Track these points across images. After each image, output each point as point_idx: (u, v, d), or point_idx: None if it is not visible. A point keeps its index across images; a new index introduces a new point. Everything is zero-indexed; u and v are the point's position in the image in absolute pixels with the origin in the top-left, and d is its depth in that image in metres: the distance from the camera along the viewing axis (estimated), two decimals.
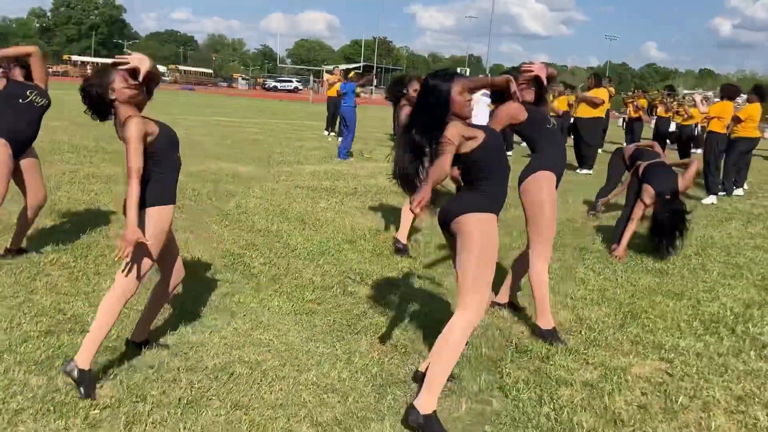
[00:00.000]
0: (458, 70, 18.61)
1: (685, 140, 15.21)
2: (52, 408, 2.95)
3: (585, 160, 13.51)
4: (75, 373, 3.06)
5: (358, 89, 14.66)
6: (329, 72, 15.19)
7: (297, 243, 6.10)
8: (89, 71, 3.52)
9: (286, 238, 6.28)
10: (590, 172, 13.30)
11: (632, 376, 3.73)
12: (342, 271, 5.35)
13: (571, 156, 15.28)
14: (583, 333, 4.33)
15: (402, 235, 6.07)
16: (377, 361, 3.72)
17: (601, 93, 13.13)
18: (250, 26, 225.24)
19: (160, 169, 3.26)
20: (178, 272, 3.57)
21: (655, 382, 3.67)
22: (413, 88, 6.01)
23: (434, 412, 2.99)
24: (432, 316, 4.34)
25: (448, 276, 5.25)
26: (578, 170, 13.49)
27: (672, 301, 5.09)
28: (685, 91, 21.00)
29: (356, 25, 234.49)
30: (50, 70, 75.23)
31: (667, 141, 16.62)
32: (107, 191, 8.01)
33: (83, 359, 3.09)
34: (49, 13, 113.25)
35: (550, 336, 4.12)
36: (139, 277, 3.19)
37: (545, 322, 4.18)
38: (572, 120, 14.60)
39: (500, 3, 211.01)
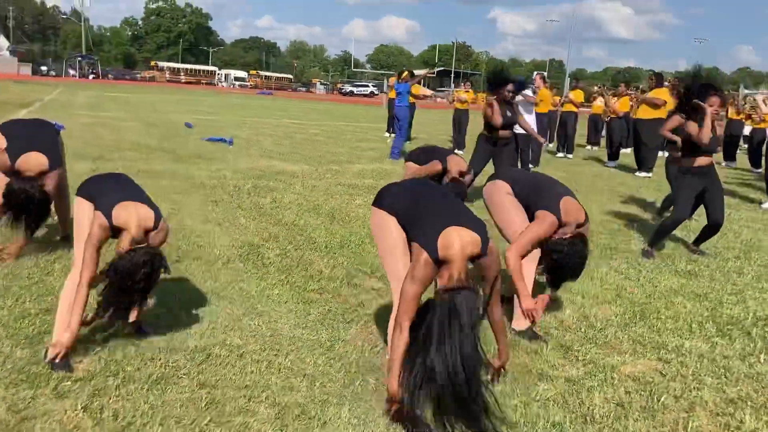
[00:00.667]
0: (534, 73, 18.48)
1: (756, 144, 14.47)
2: (25, 378, 3.10)
3: (644, 162, 13.05)
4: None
5: (429, 92, 14.70)
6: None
7: (319, 236, 6.17)
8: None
9: (310, 231, 6.35)
10: (649, 174, 12.83)
11: (620, 374, 3.58)
12: (355, 264, 5.37)
13: (631, 159, 14.91)
14: (582, 330, 4.19)
15: None
16: (359, 348, 3.72)
17: (662, 93, 12.62)
18: (332, 32, 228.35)
19: None
20: None
21: (643, 381, 3.51)
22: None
23: None
24: None
25: None
26: (637, 173, 13.05)
27: (691, 303, 4.86)
28: (746, 91, 19.90)
29: (437, 30, 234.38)
30: (138, 75, 78.90)
31: (740, 145, 15.87)
32: (152, 185, 8.31)
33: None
34: (140, 22, 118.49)
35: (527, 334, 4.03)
36: None
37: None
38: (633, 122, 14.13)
39: (585, 6, 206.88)
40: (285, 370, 3.40)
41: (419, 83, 18.09)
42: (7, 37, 75.66)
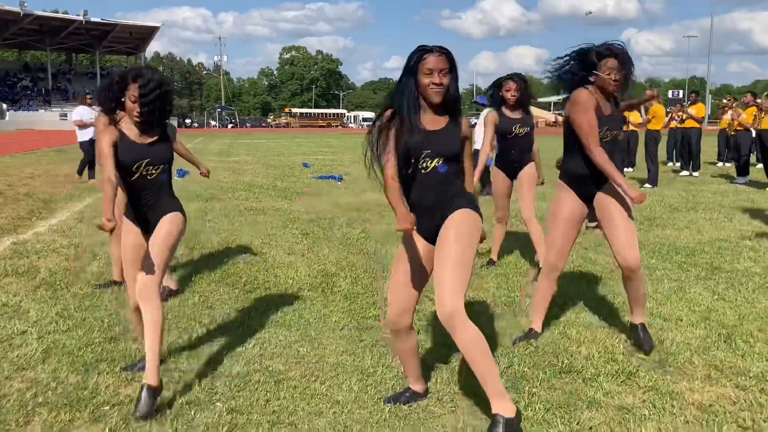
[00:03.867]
0: (670, 92, 17.55)
1: None
2: (67, 401, 3.24)
3: None
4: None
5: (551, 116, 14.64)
6: None
7: None
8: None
9: (388, 260, 6.30)
10: None
11: (684, 402, 3.22)
12: (425, 292, 5.23)
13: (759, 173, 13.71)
14: (652, 356, 3.83)
15: (494, 251, 6.00)
16: (401, 375, 3.59)
17: None
18: (462, 68, 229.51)
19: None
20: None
21: (710, 410, 3.14)
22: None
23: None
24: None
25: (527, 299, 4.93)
26: None
27: None
28: None
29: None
30: (272, 123, 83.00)
31: None
32: (251, 221, 8.64)
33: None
34: (275, 72, 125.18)
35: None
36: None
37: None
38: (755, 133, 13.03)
39: (726, 20, 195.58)
40: (318, 396, 3.35)
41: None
42: None
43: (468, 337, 2.75)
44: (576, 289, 5.19)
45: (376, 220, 8.68)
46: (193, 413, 3.15)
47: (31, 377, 3.54)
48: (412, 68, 2.88)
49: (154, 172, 3.45)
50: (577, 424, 3.01)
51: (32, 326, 4.33)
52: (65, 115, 59.47)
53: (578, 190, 3.93)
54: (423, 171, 2.93)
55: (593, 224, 7.19)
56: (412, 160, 2.92)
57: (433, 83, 2.84)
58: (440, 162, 2.92)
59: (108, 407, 3.21)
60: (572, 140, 3.87)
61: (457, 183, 3.00)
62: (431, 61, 2.83)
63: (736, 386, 3.41)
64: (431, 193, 2.97)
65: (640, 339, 3.90)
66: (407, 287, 3.08)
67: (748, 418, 3.05)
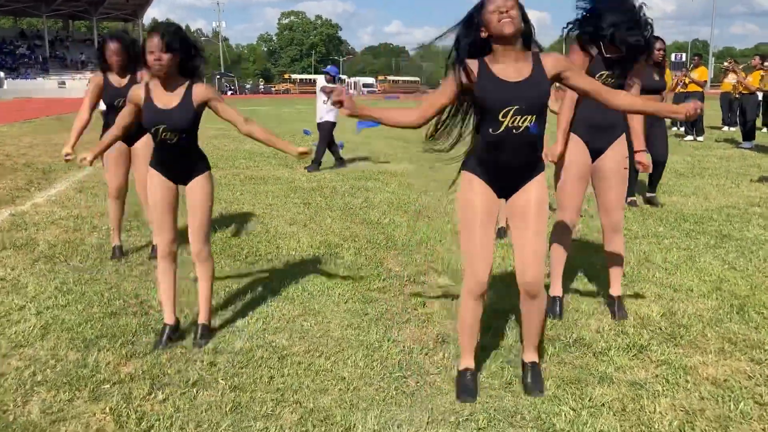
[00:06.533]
0: (673, 55, 17.09)
1: None
2: (67, 380, 3.17)
3: None
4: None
5: None
6: None
7: (399, 235, 6.00)
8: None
9: (392, 229, 6.20)
10: None
11: (698, 377, 3.14)
12: (429, 261, 5.16)
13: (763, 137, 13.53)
14: (664, 328, 3.75)
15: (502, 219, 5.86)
16: (407, 349, 3.52)
17: None
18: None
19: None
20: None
21: (725, 385, 3.06)
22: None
23: None
24: (492, 307, 4.01)
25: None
26: None
27: None
28: None
29: (565, 20, 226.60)
30: (273, 89, 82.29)
31: None
32: (252, 190, 8.52)
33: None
34: (274, 37, 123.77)
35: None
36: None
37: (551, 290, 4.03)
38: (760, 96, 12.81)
39: None
40: (323, 372, 3.27)
41: None
42: None
43: (543, 303, 2.96)
44: (583, 260, 5.09)
45: (378, 189, 8.56)
46: (195, 391, 3.08)
47: (30, 354, 3.46)
48: (473, 17, 2.71)
49: (173, 137, 3.46)
50: (590, 400, 2.93)
51: (30, 301, 4.24)
52: (63, 83, 58.92)
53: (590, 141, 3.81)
54: (515, 131, 2.73)
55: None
56: (500, 117, 2.71)
57: (500, 12, 2.61)
58: (532, 122, 2.72)
59: (108, 385, 3.14)
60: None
61: (540, 143, 2.85)
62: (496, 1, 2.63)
63: (751, 360, 3.33)
64: (521, 156, 2.81)
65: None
66: (490, 245, 2.92)
67: (765, 393, 2.97)
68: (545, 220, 2.90)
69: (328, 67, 11.32)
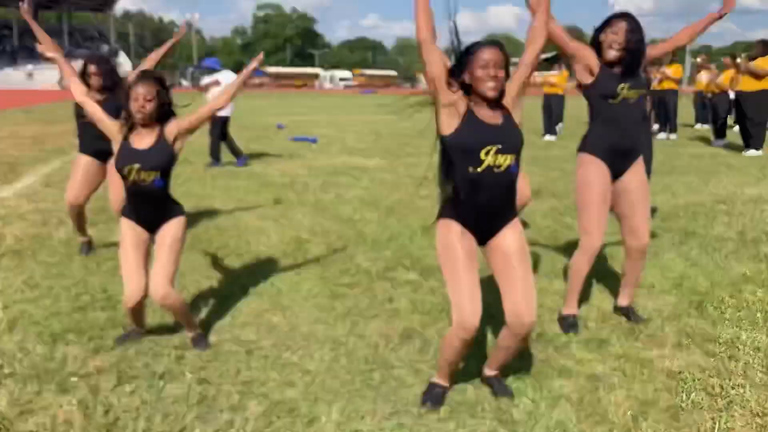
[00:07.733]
0: None
1: None
2: (35, 373, 3.18)
3: (752, 139, 12.02)
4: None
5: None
6: None
7: (370, 231, 6.05)
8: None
9: (362, 226, 6.25)
10: (759, 153, 11.81)
11: (654, 370, 3.25)
12: (397, 257, 5.22)
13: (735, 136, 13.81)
14: (625, 323, 3.85)
15: None
16: (373, 344, 3.57)
17: None
18: (439, 27, 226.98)
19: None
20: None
21: (679, 377, 3.16)
22: None
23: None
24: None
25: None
26: (745, 151, 12.03)
27: (763, 291, 4.37)
28: None
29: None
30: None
31: None
32: (224, 186, 8.51)
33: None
34: (249, 30, 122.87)
35: (562, 322, 3.79)
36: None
37: (566, 309, 3.81)
38: (733, 95, 13.05)
39: None
40: (290, 366, 3.31)
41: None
42: (128, 54, 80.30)
43: (528, 340, 3.10)
44: (551, 257, 5.19)
45: (350, 185, 8.60)
46: (162, 384, 3.10)
47: None
48: (461, 63, 2.70)
49: (147, 178, 3.40)
50: (548, 392, 3.02)
51: None
52: (31, 75, 57.94)
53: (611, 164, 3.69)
54: (496, 170, 2.68)
55: None
56: (481, 156, 2.65)
57: (489, 75, 2.60)
58: (513, 161, 2.69)
59: (76, 378, 3.15)
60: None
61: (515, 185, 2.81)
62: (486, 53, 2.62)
63: (705, 353, 3.44)
64: (500, 196, 2.78)
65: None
66: (476, 288, 2.77)
67: (716, 384, 3.08)
68: (529, 263, 2.84)
69: (211, 59, 11.59)
